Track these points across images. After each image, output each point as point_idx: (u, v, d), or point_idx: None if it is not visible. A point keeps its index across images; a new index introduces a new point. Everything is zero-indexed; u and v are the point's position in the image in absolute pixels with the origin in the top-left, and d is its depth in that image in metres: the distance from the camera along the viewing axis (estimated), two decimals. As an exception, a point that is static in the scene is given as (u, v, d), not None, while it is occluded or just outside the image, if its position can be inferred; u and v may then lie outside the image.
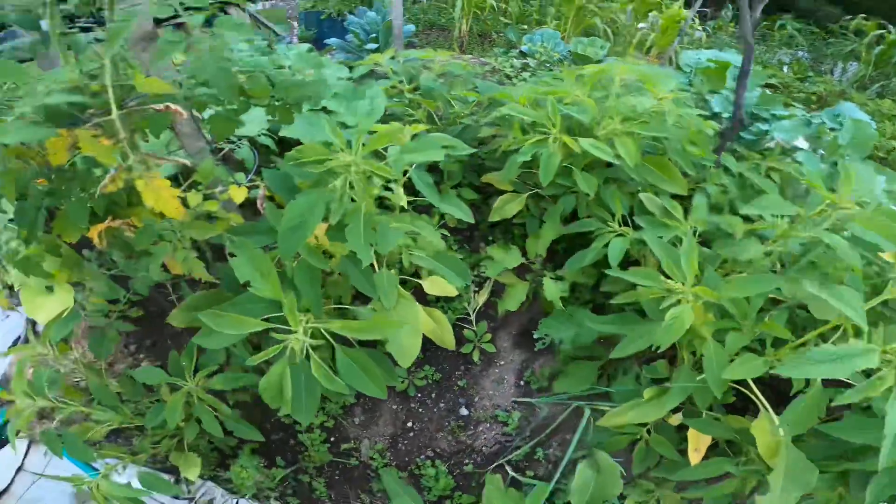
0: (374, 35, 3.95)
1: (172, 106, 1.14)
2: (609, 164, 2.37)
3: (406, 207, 1.66)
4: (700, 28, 5.50)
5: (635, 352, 1.75)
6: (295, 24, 4.23)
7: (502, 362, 2.37)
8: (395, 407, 2.24)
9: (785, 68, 5.41)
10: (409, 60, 3.22)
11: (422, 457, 2.17)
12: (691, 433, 1.75)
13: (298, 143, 2.44)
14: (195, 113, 1.60)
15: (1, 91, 1.63)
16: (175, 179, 2.16)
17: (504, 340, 2.41)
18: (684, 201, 2.25)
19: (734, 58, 2.82)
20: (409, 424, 2.22)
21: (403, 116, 2.47)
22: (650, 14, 4.98)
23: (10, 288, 2.48)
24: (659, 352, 1.70)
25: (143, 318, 2.32)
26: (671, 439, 1.87)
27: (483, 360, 2.35)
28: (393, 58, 2.88)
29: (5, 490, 2.03)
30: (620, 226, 2.05)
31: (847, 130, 2.40)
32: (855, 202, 1.50)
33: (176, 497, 2.05)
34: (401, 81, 2.65)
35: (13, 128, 0.97)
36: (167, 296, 2.02)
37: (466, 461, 2.16)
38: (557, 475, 2.02)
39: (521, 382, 2.32)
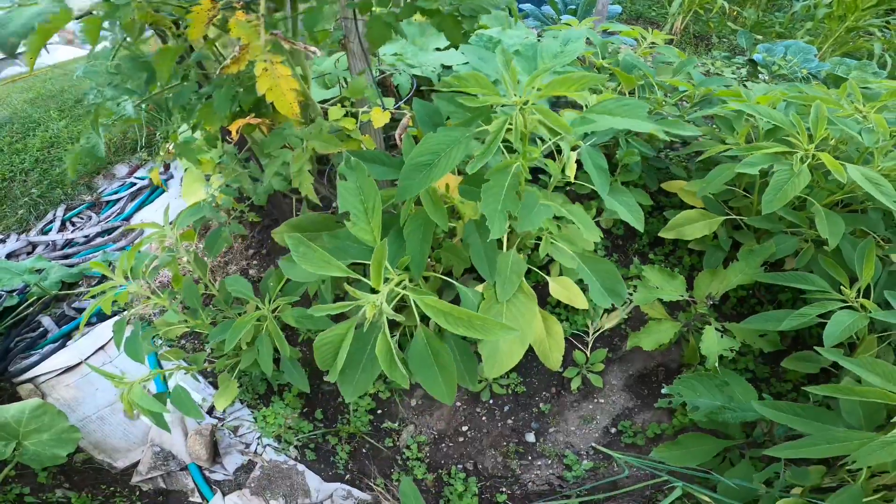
0: (573, 7, 3.54)
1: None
2: (856, 210, 1.70)
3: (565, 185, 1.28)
4: None
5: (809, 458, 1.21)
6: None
7: (601, 400, 1.90)
8: (459, 404, 1.93)
9: None
10: (609, 35, 2.77)
11: (459, 466, 1.84)
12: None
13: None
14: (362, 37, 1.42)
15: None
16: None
17: (615, 377, 1.93)
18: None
19: None
20: (464, 429, 1.90)
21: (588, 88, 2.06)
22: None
23: (167, 167, 2.72)
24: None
25: (268, 225, 2.33)
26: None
27: (581, 391, 1.90)
28: (591, 28, 2.47)
29: (76, 366, 2.19)
30: (859, 296, 1.41)
31: None
32: None
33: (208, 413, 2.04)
34: (595, 54, 2.23)
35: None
36: (295, 205, 1.94)
37: (503, 489, 1.78)
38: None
39: (612, 430, 1.85)
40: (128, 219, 3.14)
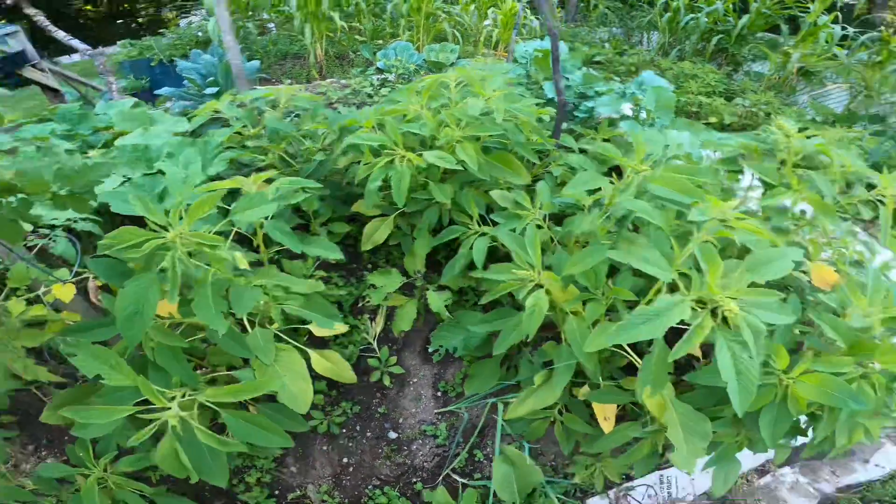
0: (212, 78, 3.77)
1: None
2: (463, 170, 2.52)
3: (263, 261, 1.63)
4: (536, 18, 5.95)
5: (513, 344, 1.78)
6: (111, 78, 3.92)
7: (415, 380, 2.40)
8: (324, 448, 2.21)
9: (606, 45, 6.05)
10: (256, 100, 3.13)
11: (369, 487, 2.15)
12: (595, 405, 1.77)
13: (134, 218, 2.29)
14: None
15: None
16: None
17: (411, 359, 2.44)
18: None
19: (556, 45, 3.08)
20: (345, 460, 2.20)
21: (254, 164, 2.42)
22: (489, 11, 5.29)
23: None
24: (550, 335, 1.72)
25: (28, 419, 2.05)
26: (583, 414, 1.91)
27: (396, 383, 2.37)
28: (233, 101, 2.77)
29: None
30: (481, 226, 2.17)
31: (650, 96, 2.76)
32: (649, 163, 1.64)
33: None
34: (244, 126, 2.58)
35: None
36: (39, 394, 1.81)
37: (414, 480, 2.17)
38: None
39: (438, 394, 2.37)
40: None
